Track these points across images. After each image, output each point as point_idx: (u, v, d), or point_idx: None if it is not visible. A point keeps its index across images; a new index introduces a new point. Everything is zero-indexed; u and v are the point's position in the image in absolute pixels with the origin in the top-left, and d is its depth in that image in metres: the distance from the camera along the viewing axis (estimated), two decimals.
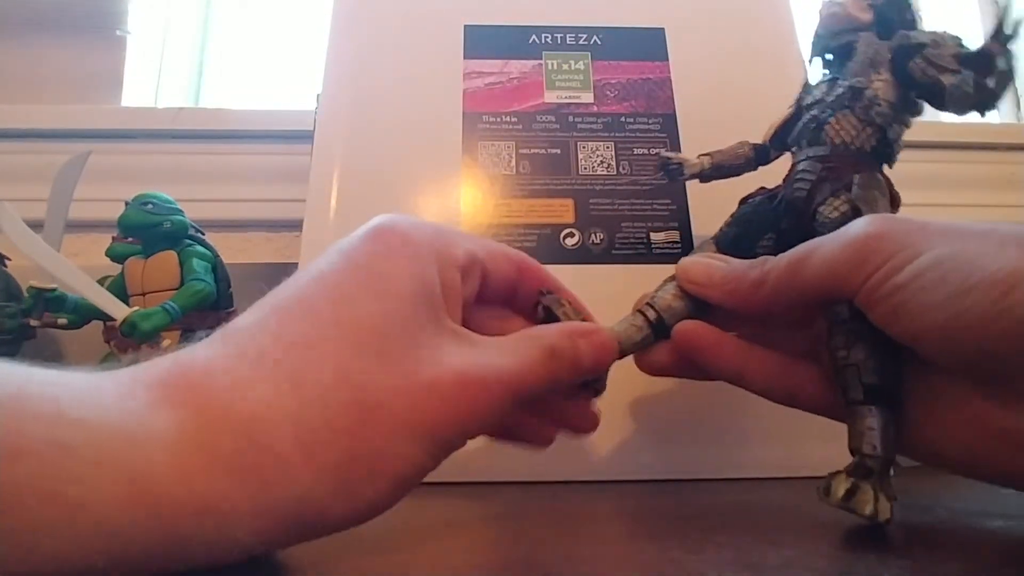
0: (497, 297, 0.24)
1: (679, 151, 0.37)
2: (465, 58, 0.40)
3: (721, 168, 0.29)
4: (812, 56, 0.28)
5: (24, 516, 0.12)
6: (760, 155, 0.29)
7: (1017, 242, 0.17)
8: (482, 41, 0.41)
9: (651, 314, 0.25)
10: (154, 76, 0.72)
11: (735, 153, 0.29)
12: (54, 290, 0.43)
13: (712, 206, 0.30)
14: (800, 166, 0.26)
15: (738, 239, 0.26)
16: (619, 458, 0.32)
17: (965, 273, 0.17)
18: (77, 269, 0.39)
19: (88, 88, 0.67)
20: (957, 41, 0.24)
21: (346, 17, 0.42)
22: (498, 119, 0.39)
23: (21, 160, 0.61)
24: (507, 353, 0.19)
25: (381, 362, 0.16)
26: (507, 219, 0.36)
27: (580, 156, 0.38)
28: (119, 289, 0.42)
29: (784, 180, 0.27)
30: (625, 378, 0.33)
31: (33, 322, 0.43)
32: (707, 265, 0.25)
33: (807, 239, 0.22)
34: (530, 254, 0.35)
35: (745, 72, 0.41)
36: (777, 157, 0.29)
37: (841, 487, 0.20)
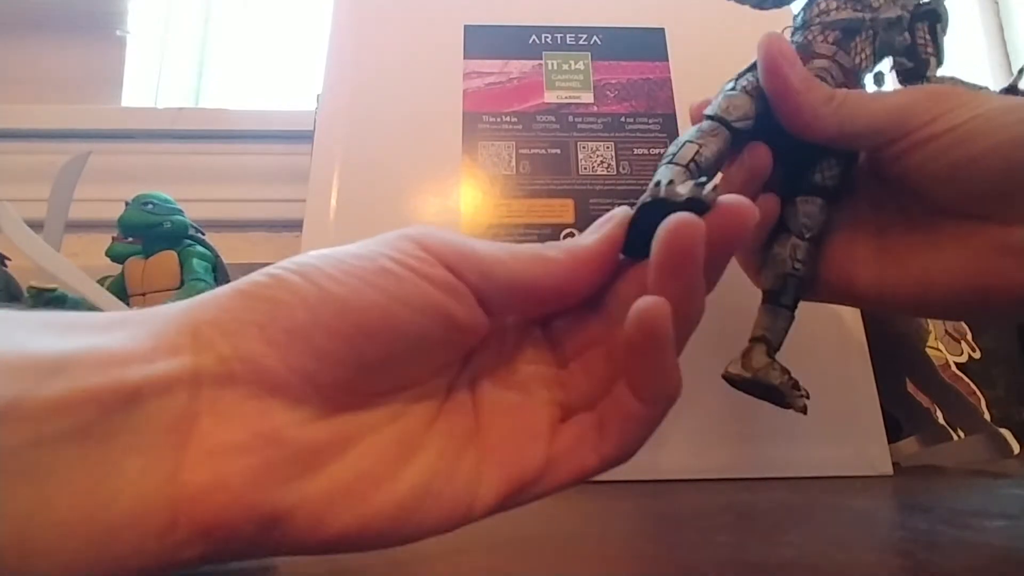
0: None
1: None
2: (465, 58, 0.40)
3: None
4: None
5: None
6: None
7: None
8: (482, 41, 0.41)
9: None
10: (154, 76, 0.72)
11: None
12: (54, 290, 0.43)
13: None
14: (822, 63, 0.24)
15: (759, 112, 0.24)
16: None
17: (1013, 131, 0.20)
18: (77, 269, 0.39)
19: (88, 88, 0.67)
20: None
21: (346, 17, 0.42)
22: (498, 119, 0.39)
23: (21, 160, 0.61)
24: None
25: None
26: (507, 219, 0.36)
27: (580, 156, 0.38)
28: (119, 289, 0.42)
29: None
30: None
31: None
32: (796, 53, 0.23)
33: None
34: None
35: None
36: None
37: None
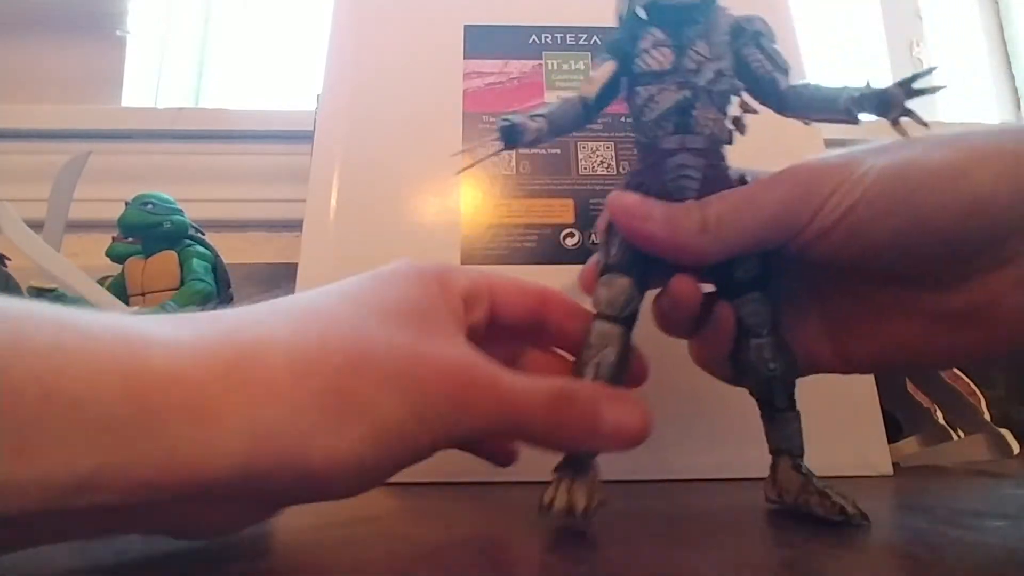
0: (515, 329, 0.23)
1: None
2: (465, 58, 0.40)
3: (557, 128, 0.24)
4: (631, 7, 0.24)
5: (24, 412, 0.12)
6: (589, 112, 0.25)
7: (943, 143, 0.19)
8: (482, 41, 0.41)
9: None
10: (154, 76, 0.72)
11: (566, 112, 0.24)
12: (54, 290, 0.43)
13: None
14: (679, 159, 0.22)
15: (645, 259, 0.23)
16: (619, 458, 0.31)
17: (910, 177, 0.19)
18: (77, 269, 0.39)
19: (88, 88, 0.67)
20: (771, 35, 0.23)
21: (346, 17, 0.42)
22: (498, 119, 0.38)
23: (21, 160, 0.61)
24: (517, 377, 0.19)
25: (389, 327, 0.17)
26: (507, 219, 0.36)
27: (580, 156, 0.38)
28: (119, 289, 0.42)
29: (647, 170, 0.23)
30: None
31: None
32: (644, 200, 0.22)
33: None
34: (530, 254, 0.36)
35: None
36: (598, 116, 0.26)
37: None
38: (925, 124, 0.19)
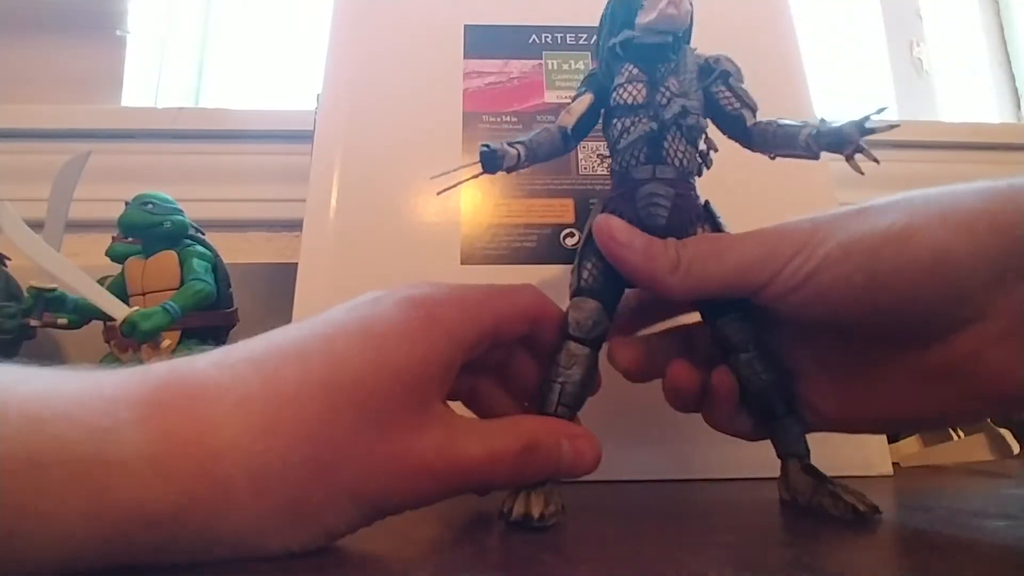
0: (508, 346, 0.24)
1: None
2: (465, 58, 0.40)
3: (536, 156, 0.25)
4: (608, 43, 0.25)
5: (2, 525, 0.14)
6: (568, 141, 0.26)
7: (897, 206, 0.20)
8: (482, 41, 0.41)
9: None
10: (154, 76, 0.72)
11: (545, 140, 0.25)
12: (54, 290, 0.43)
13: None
14: (650, 187, 0.23)
15: (616, 284, 0.24)
16: (619, 458, 0.32)
17: (866, 243, 0.20)
18: (77, 269, 0.39)
19: (88, 88, 0.67)
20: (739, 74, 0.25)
21: (346, 17, 0.42)
22: (498, 119, 0.39)
23: (21, 160, 0.61)
24: (482, 441, 0.20)
25: (351, 430, 0.18)
26: (507, 219, 0.36)
27: (580, 156, 0.38)
28: (119, 289, 0.42)
29: (620, 198, 0.24)
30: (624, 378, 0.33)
31: (33, 322, 0.43)
32: (628, 228, 0.23)
33: None
34: (530, 254, 0.35)
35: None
36: (576, 145, 0.27)
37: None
38: (876, 161, 0.20)
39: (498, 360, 0.24)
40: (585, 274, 0.24)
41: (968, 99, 0.79)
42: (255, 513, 0.16)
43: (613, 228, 0.23)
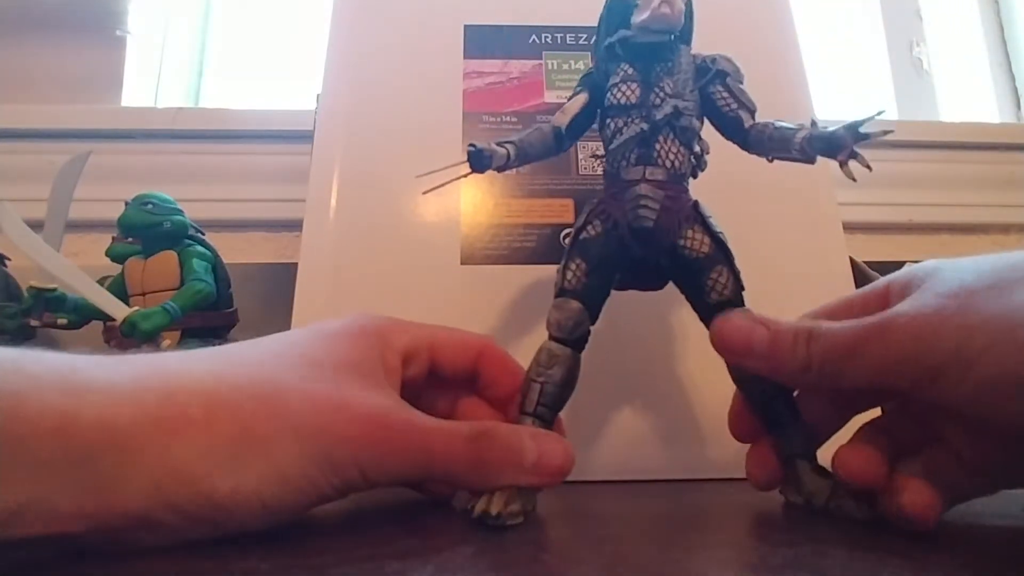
0: (455, 381, 0.25)
1: None
2: (465, 58, 0.40)
3: (527, 156, 0.25)
4: (604, 43, 0.25)
5: None
6: (561, 141, 0.26)
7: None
8: (482, 41, 0.41)
9: None
10: (154, 76, 0.72)
11: (537, 140, 0.26)
12: (54, 290, 0.43)
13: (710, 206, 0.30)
14: (639, 189, 0.23)
15: (600, 286, 0.24)
16: (619, 458, 0.32)
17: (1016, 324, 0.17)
18: (77, 269, 0.39)
19: (88, 88, 0.67)
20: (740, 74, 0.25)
21: (346, 17, 0.42)
22: (498, 119, 0.39)
23: (21, 160, 0.61)
24: (437, 419, 0.20)
25: (300, 378, 0.19)
26: (507, 219, 0.36)
27: (580, 156, 0.38)
28: (119, 289, 0.42)
29: (611, 199, 0.24)
30: (625, 377, 0.33)
31: (33, 322, 0.43)
32: (748, 330, 0.22)
33: (661, 266, 0.24)
34: (530, 254, 0.35)
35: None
36: (571, 145, 0.27)
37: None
38: (869, 168, 0.20)
39: (448, 404, 0.25)
40: (569, 275, 0.24)
41: (968, 99, 0.79)
42: (207, 445, 0.17)
43: (728, 341, 0.22)
